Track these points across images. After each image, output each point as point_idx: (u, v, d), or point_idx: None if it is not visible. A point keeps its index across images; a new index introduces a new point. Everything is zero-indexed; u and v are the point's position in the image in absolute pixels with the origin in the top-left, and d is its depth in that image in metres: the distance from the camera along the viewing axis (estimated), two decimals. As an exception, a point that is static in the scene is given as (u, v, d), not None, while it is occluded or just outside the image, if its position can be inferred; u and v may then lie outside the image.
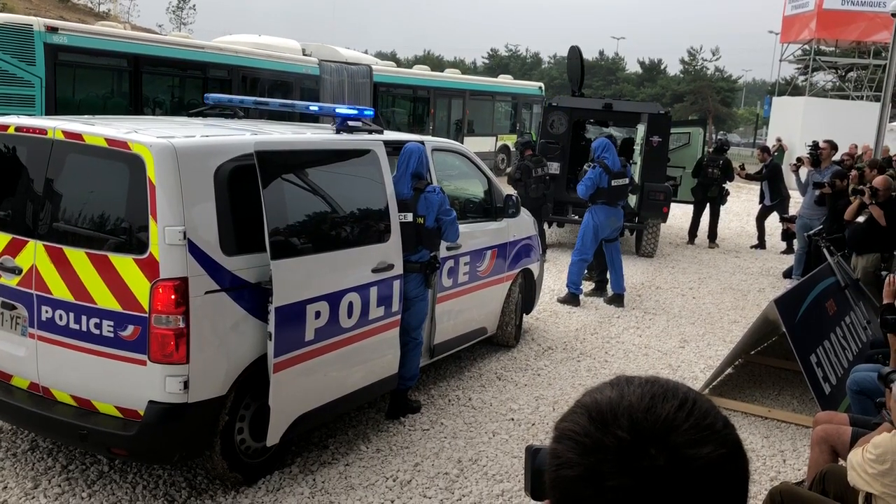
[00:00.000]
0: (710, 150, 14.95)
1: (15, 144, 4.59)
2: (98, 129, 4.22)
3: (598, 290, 9.73)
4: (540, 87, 29.31)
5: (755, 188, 16.15)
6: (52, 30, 13.19)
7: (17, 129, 4.49)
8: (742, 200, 20.62)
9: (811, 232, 9.55)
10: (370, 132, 5.57)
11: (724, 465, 0.86)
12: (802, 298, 6.31)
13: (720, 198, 14.05)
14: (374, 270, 4.99)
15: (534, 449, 1.04)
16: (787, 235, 13.73)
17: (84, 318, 4.05)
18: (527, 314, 7.82)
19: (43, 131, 4.34)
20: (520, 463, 5.01)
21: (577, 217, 12.05)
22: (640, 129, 12.31)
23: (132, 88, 14.77)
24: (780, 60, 35.88)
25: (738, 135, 71.00)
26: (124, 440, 3.97)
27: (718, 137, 25.04)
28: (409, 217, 5.36)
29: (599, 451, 0.86)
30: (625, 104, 13.68)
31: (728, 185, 14.22)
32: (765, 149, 15.26)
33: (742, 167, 14.87)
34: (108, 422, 4.04)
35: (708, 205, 14.10)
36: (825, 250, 7.80)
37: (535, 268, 7.65)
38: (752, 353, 7.36)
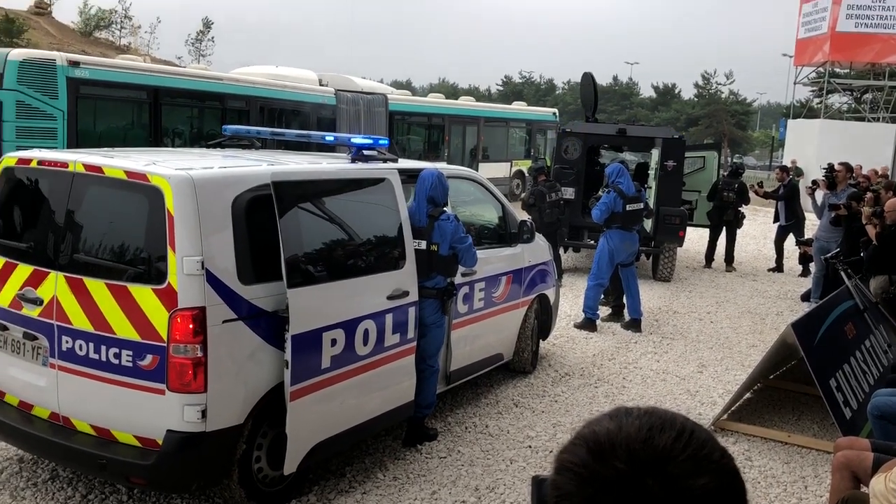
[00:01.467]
0: (726, 173, 14.93)
1: (37, 178, 4.69)
2: (117, 161, 4.30)
3: (615, 315, 9.70)
4: (554, 113, 29.47)
5: (770, 211, 16.06)
6: (75, 64, 13.44)
7: (40, 162, 4.59)
8: (758, 223, 20.53)
9: (828, 255, 9.48)
10: (385, 161, 5.63)
11: (720, 495, 0.87)
12: (821, 322, 6.27)
13: (736, 221, 14.01)
14: (390, 297, 5.02)
15: (539, 479, 1.06)
16: (804, 259, 13.65)
17: (103, 348, 4.10)
18: (543, 340, 7.81)
19: (64, 164, 4.43)
20: (537, 490, 4.97)
21: (592, 242, 12.06)
22: (655, 154, 12.34)
23: (152, 120, 14.99)
24: (795, 83, 35.84)
25: (754, 158, 70.79)
26: (143, 469, 3.99)
27: (734, 161, 24.99)
28: (423, 244, 5.40)
29: (597, 482, 0.87)
30: (639, 129, 13.73)
31: (744, 209, 14.18)
32: (784, 168, 15.19)
33: (760, 184, 14.83)
34: (126, 451, 4.07)
35: (724, 228, 14.07)
36: (843, 273, 7.75)
37: (550, 293, 7.65)
38: (771, 377, 7.30)
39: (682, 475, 0.86)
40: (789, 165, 23.87)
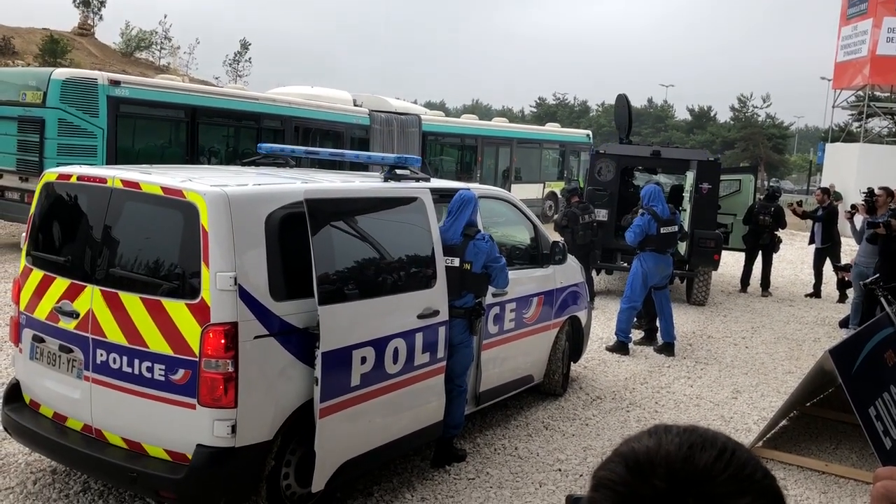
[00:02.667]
0: (762, 197, 14.75)
1: (76, 193, 4.77)
2: (155, 177, 4.37)
3: (648, 339, 9.59)
4: (588, 135, 29.41)
5: (807, 235, 15.81)
6: (115, 83, 13.74)
7: (79, 178, 4.67)
8: (795, 248, 20.23)
9: (867, 280, 9.29)
10: (417, 180, 5.65)
11: None
12: (859, 349, 6.12)
13: (772, 245, 13.81)
14: (420, 316, 5.01)
15: (574, 498, 1.03)
16: (842, 284, 13.40)
17: (136, 362, 4.14)
18: (574, 362, 7.74)
19: (103, 180, 4.50)
20: (567, 515, 4.90)
21: (625, 264, 11.96)
22: (690, 176, 12.23)
23: (189, 138, 15.25)
24: (833, 107, 35.39)
25: (791, 182, 69.91)
26: (172, 483, 4.01)
27: (770, 185, 24.68)
28: (456, 262, 5.39)
29: (636, 500, 0.86)
30: (673, 151, 13.64)
31: (780, 233, 13.98)
32: (825, 190, 14.92)
33: (799, 203, 14.62)
34: (157, 465, 4.09)
35: (760, 252, 13.87)
36: (882, 299, 7.58)
37: (582, 315, 7.58)
38: (808, 404, 7.14)
39: (723, 495, 0.84)
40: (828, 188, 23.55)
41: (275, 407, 4.19)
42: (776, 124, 66.01)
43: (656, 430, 0.94)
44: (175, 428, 4.06)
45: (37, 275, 4.69)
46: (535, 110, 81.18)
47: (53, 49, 35.29)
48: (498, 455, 5.82)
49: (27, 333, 4.72)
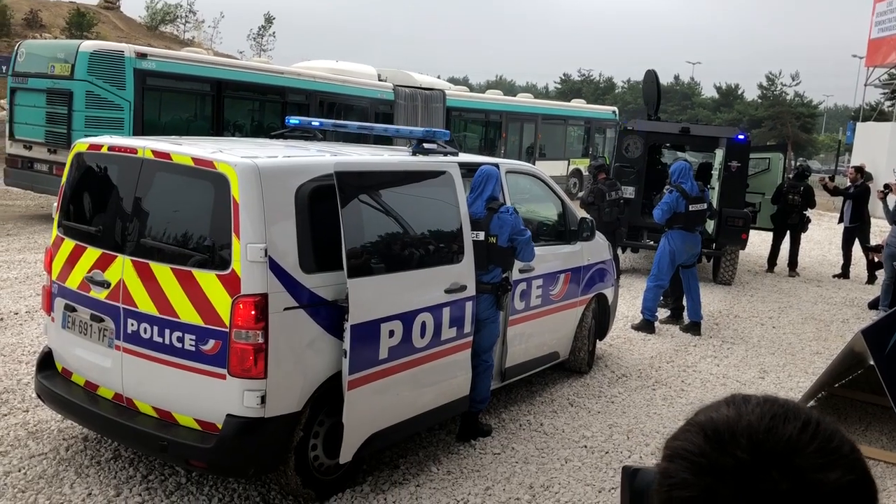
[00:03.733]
0: (791, 176, 14.54)
1: (107, 163, 4.79)
2: (185, 148, 4.36)
3: (674, 318, 9.52)
4: (614, 111, 29.12)
5: (836, 216, 15.59)
6: (142, 56, 13.77)
7: (110, 148, 4.68)
8: (823, 228, 19.97)
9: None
10: (445, 154, 5.61)
11: (853, 492, 0.81)
12: (892, 330, 6.03)
13: (801, 225, 13.62)
14: (447, 291, 4.99)
15: (632, 469, 1.00)
16: (872, 266, 13.20)
17: (167, 332, 4.16)
18: (600, 340, 7.70)
19: (133, 150, 4.51)
20: (592, 491, 4.91)
21: (651, 242, 11.86)
22: (719, 154, 12.07)
23: (214, 112, 15.27)
24: (865, 85, 34.71)
25: (819, 161, 68.87)
26: (202, 452, 4.04)
27: (799, 163, 24.31)
28: (481, 236, 5.36)
29: (716, 471, 0.82)
30: (703, 128, 13.47)
31: (809, 212, 13.78)
32: (859, 169, 14.61)
33: (832, 178, 14.38)
34: (187, 434, 4.13)
35: (788, 232, 13.69)
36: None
37: (609, 293, 7.53)
38: (837, 385, 7.06)
39: (810, 468, 0.80)
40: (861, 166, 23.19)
41: (304, 378, 4.21)
42: (805, 103, 64.94)
43: (734, 399, 0.90)
44: (205, 397, 4.08)
45: (68, 244, 4.72)
46: (559, 87, 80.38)
47: (80, 22, 35.41)
48: (523, 431, 5.82)
49: (59, 303, 4.76)
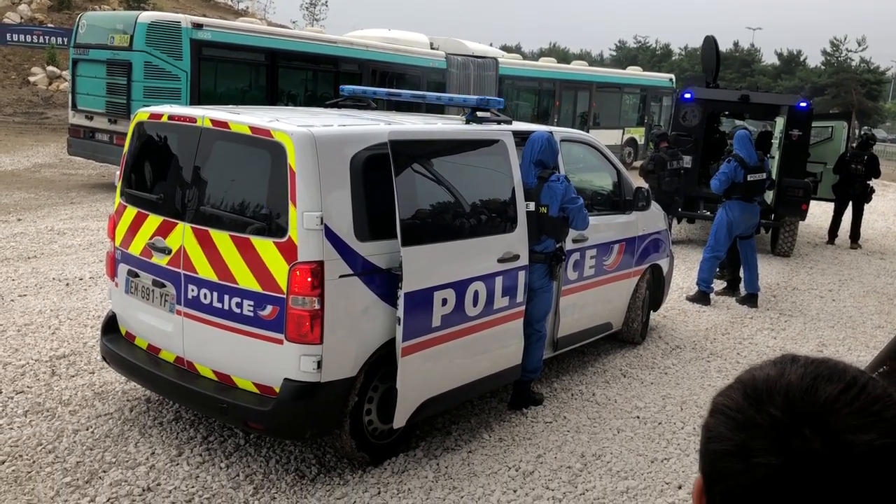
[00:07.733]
0: (854, 145, 14.08)
1: (167, 132, 4.89)
2: (243, 117, 4.42)
3: (730, 290, 9.37)
4: (671, 79, 28.48)
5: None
6: (198, 26, 13.93)
7: (170, 117, 4.77)
8: (888, 199, 19.34)
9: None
10: (499, 122, 5.57)
11: (889, 455, 0.80)
12: (960, 304, 5.84)
13: (864, 195, 13.22)
14: (500, 260, 4.99)
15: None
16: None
17: (226, 298, 4.26)
18: (654, 311, 7.63)
19: (192, 119, 4.59)
20: (645, 461, 4.90)
21: (708, 213, 11.66)
22: (780, 122, 11.75)
23: (268, 81, 15.41)
24: (937, 50, 33.25)
25: (885, 130, 66.45)
26: (260, 415, 4.15)
27: (863, 132, 23.51)
28: (532, 206, 5.33)
29: (751, 427, 0.84)
30: (763, 96, 13.14)
31: (873, 183, 13.35)
32: None
33: None
34: (245, 397, 4.24)
35: (851, 203, 13.31)
36: None
37: (664, 263, 7.44)
38: (900, 360, 6.88)
39: (844, 429, 0.80)
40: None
41: (358, 344, 4.27)
42: (871, 69, 62.53)
43: (782, 359, 0.92)
44: (263, 362, 4.18)
45: (130, 212, 4.85)
46: (614, 54, 78.85)
47: (137, -7, 35.94)
48: (575, 400, 5.82)
49: (122, 268, 4.90)
